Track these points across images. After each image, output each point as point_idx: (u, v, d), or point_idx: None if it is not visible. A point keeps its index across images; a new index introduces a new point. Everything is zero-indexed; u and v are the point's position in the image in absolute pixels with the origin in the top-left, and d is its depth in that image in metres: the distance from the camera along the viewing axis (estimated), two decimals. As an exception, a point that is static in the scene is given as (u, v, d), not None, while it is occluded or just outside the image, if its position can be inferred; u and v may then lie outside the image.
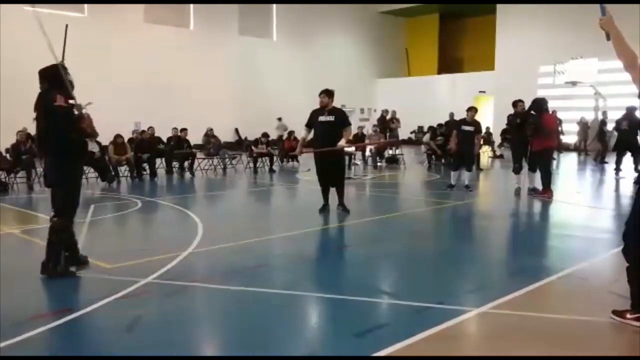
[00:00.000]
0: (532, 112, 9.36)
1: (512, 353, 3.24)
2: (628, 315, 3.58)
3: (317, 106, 7.89)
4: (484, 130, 21.04)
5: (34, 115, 4.80)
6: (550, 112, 11.00)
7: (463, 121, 10.68)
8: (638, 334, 3.46)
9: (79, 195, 5.02)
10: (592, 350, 3.29)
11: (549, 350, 3.28)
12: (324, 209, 7.90)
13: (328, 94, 7.77)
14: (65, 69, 4.78)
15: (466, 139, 10.38)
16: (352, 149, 15.67)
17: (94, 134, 4.96)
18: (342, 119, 7.77)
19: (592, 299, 4.23)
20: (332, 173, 7.84)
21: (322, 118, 7.72)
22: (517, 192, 9.77)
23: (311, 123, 7.86)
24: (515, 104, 9.94)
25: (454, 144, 10.62)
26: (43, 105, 4.73)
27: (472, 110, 10.56)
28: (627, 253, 3.62)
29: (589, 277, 4.86)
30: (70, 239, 4.91)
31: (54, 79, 4.71)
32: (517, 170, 9.84)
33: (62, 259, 4.78)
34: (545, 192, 9.26)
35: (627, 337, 3.50)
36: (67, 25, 4.93)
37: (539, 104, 9.31)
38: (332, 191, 7.96)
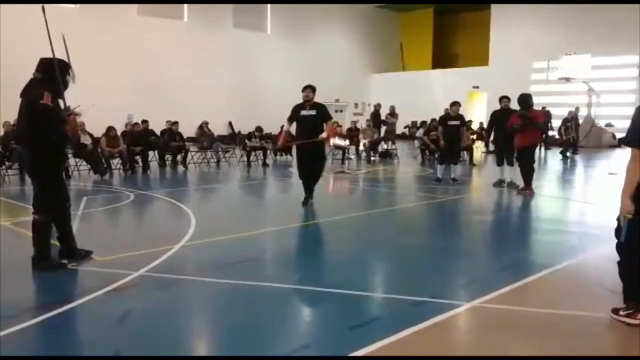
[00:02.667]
0: (520, 108, 9.42)
1: (504, 347, 3.26)
2: (621, 312, 3.59)
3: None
4: (477, 126, 21.31)
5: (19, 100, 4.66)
6: (540, 109, 11.13)
7: (448, 116, 10.87)
8: (629, 330, 3.48)
9: (61, 191, 4.89)
10: (583, 346, 3.31)
11: (540, 345, 3.29)
12: (307, 202, 8.14)
13: (313, 89, 8.07)
14: (69, 68, 4.70)
15: (454, 134, 10.69)
16: (344, 142, 15.86)
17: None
18: (323, 113, 8.05)
19: (583, 293, 4.25)
20: (313, 165, 8.14)
21: (304, 112, 8.01)
22: (498, 183, 10.22)
23: (293, 117, 8.11)
24: (500, 99, 10.23)
25: (442, 139, 10.83)
26: (28, 98, 4.57)
27: (456, 104, 10.82)
28: (619, 248, 3.64)
29: (580, 272, 4.89)
30: (49, 235, 4.80)
31: (50, 73, 4.52)
32: (500, 163, 10.25)
33: (49, 251, 4.75)
34: (527, 189, 9.31)
35: (620, 333, 3.51)
36: (63, 36, 4.74)
37: (525, 100, 9.38)
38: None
